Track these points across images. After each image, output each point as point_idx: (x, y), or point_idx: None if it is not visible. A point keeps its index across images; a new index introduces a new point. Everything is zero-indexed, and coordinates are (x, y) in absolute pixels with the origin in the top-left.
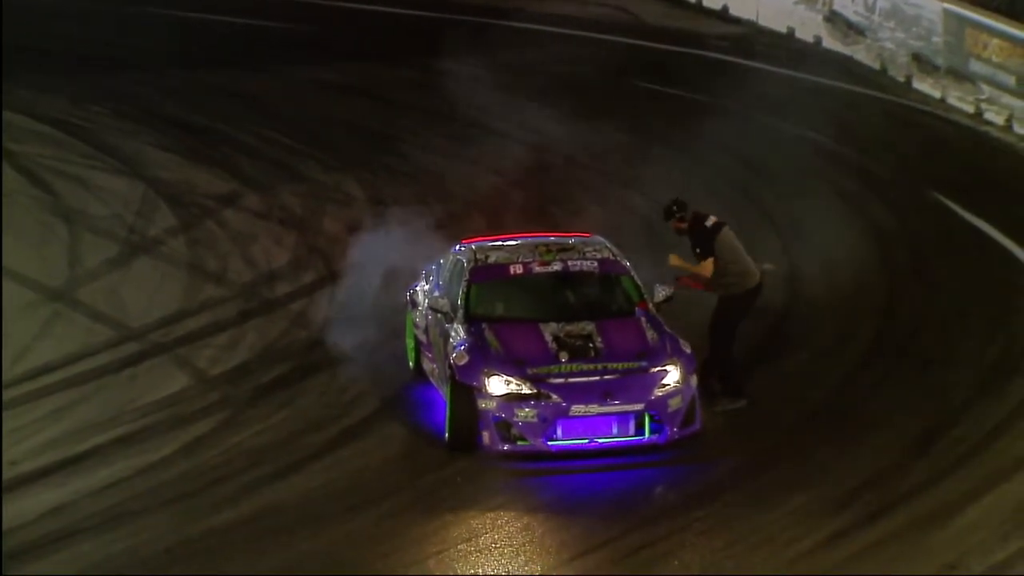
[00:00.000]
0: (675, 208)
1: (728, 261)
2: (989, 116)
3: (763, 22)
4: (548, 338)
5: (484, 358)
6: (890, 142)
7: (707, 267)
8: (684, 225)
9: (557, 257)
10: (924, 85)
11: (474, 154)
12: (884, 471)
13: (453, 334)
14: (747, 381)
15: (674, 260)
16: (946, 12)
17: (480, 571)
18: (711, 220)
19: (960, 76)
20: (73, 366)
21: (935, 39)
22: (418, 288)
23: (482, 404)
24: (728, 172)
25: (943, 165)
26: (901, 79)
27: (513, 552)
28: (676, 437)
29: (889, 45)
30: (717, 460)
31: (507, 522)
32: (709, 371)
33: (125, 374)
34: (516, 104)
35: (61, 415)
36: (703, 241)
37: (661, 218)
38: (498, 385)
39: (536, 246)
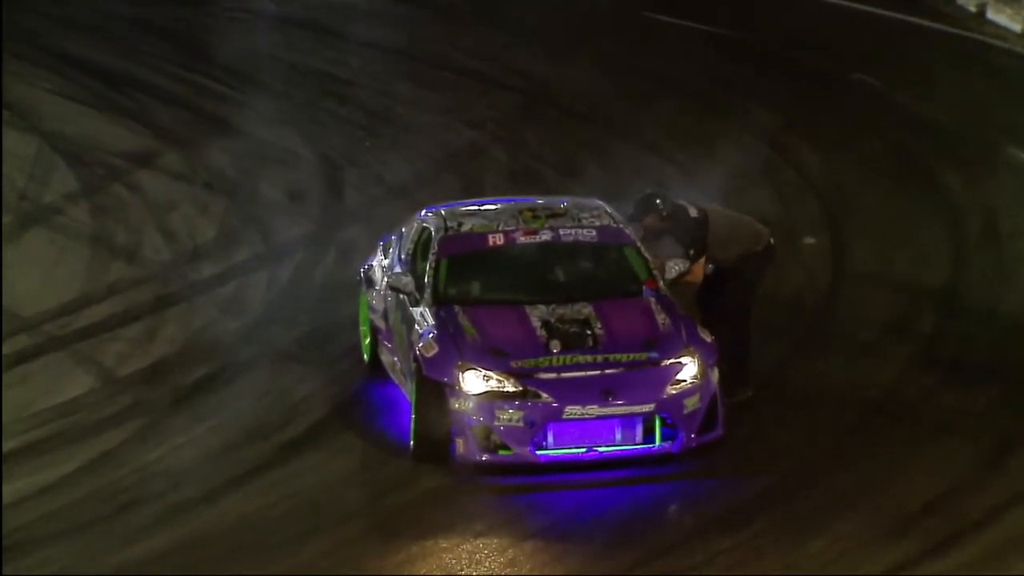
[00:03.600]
0: (657, 201)
1: (726, 242)
2: None
3: None
4: (536, 324)
5: (458, 348)
6: (958, 86)
7: (699, 271)
8: (666, 223)
9: (546, 224)
10: (1000, 16)
11: (447, 102)
12: (950, 491)
13: (419, 319)
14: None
15: (671, 274)
16: None
17: None
18: (694, 210)
19: None
20: None
21: None
22: (374, 263)
23: (455, 405)
24: (756, 124)
25: (1021, 114)
26: (972, 8)
27: None
28: (693, 445)
29: None
30: (744, 475)
31: (488, 556)
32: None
33: (16, 373)
34: (501, 41)
35: None
36: (695, 239)
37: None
38: (475, 381)
39: (520, 211)
